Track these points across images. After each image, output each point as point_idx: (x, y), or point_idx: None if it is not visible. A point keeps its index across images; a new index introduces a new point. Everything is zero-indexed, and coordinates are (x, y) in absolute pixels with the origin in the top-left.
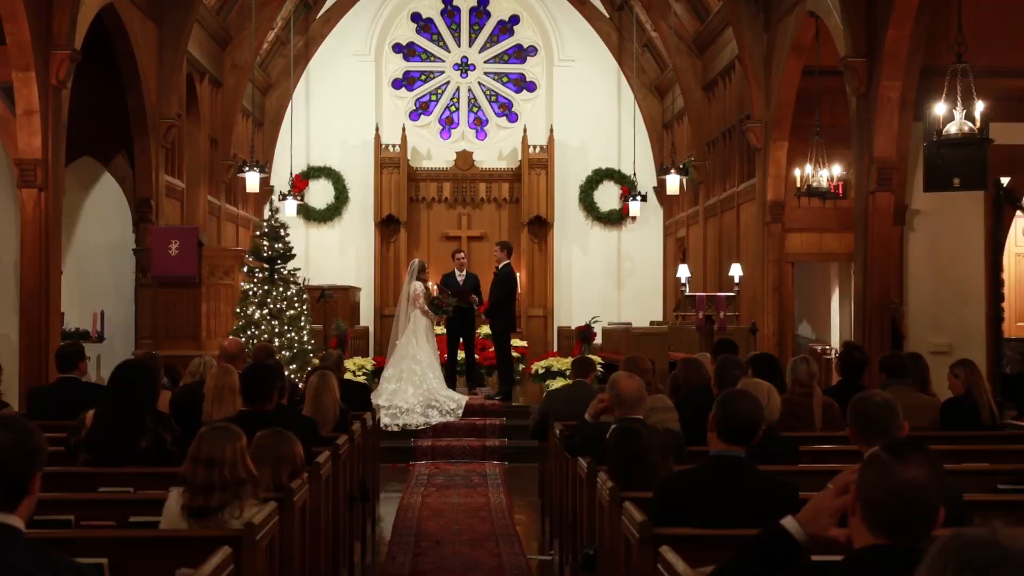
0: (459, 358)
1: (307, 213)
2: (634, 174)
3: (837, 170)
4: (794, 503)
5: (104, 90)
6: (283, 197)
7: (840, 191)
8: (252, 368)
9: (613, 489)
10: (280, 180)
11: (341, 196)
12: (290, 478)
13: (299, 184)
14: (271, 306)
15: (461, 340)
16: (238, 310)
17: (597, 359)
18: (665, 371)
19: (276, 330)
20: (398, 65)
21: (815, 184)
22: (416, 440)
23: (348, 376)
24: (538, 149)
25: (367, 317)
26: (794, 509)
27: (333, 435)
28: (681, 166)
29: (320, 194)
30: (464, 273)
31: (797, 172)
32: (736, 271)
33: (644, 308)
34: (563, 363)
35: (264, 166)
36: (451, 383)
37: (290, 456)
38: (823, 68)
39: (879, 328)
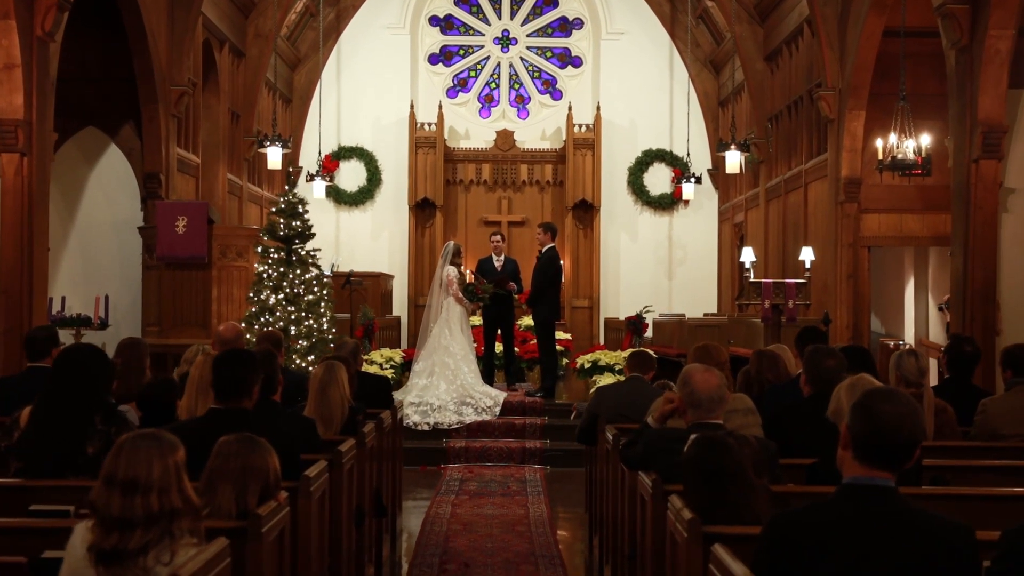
0: (497, 351)
1: (337, 196)
2: (687, 155)
3: (926, 140)
4: (972, 553)
5: (111, 55)
6: (311, 178)
7: (926, 167)
8: (223, 355)
9: (693, 523)
10: (309, 160)
11: (373, 178)
12: (260, 500)
13: (329, 165)
14: (287, 291)
15: (499, 331)
16: (251, 295)
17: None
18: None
19: (293, 317)
20: (435, 39)
21: (900, 156)
22: (448, 440)
23: (373, 369)
24: (584, 128)
25: (400, 306)
26: (972, 562)
27: (339, 438)
28: (743, 142)
29: (351, 176)
30: (502, 258)
31: (878, 143)
32: (807, 255)
33: (697, 299)
34: (611, 357)
35: (287, 141)
36: (488, 378)
37: (260, 471)
38: (909, 29)
39: (982, 320)
